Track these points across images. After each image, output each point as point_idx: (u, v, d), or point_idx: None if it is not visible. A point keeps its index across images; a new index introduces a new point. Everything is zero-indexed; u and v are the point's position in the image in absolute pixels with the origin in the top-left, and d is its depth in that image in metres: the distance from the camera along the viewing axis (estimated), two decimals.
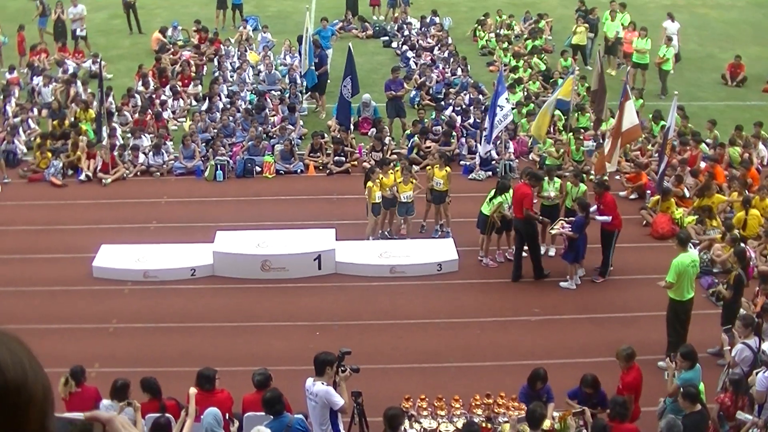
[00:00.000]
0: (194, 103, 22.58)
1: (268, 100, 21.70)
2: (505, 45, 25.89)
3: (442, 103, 21.64)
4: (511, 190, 15.05)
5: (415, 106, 21.96)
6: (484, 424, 9.91)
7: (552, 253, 15.76)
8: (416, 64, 24.64)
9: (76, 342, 13.21)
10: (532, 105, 20.97)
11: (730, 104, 23.15)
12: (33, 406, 1.73)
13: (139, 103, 21.61)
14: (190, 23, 27.23)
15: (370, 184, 15.69)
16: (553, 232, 15.19)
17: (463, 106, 21.07)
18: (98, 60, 22.48)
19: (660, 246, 15.71)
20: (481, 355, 12.90)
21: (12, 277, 15.12)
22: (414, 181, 16.00)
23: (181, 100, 22.35)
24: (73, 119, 20.69)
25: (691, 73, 25.29)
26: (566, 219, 15.07)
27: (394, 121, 20.85)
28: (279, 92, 22.47)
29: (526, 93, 22.20)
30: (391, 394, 10.85)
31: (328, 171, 18.99)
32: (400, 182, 15.80)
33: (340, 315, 14.05)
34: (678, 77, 24.23)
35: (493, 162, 18.86)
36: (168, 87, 22.51)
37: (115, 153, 19.01)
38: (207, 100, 21.58)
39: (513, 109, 19.46)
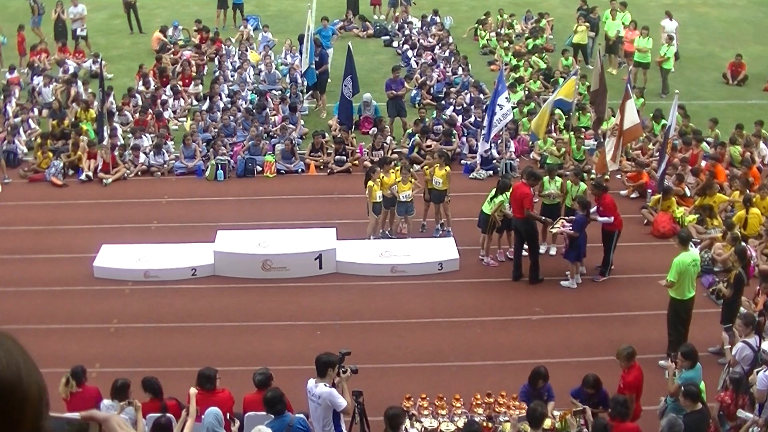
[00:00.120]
0: (195, 102, 22.57)
1: (269, 99, 21.70)
2: (506, 44, 25.88)
3: (443, 102, 21.61)
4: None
5: (416, 105, 21.95)
6: (485, 424, 9.92)
7: (553, 252, 15.75)
8: (417, 63, 24.64)
9: (77, 342, 13.21)
10: (533, 104, 20.99)
11: (730, 103, 23.13)
12: (28, 406, 1.73)
13: (140, 102, 21.63)
14: (190, 23, 27.25)
15: (370, 183, 15.68)
16: (553, 231, 15.18)
17: (464, 106, 21.06)
18: (99, 60, 22.50)
19: (661, 245, 15.70)
20: (482, 355, 12.90)
21: (13, 277, 15.12)
22: (413, 180, 16.00)
23: (181, 99, 22.34)
24: (73, 119, 20.69)
25: (692, 72, 25.28)
26: (567, 218, 15.07)
27: (394, 120, 20.84)
28: (280, 92, 22.47)
29: (527, 92, 22.21)
30: (392, 394, 10.86)
31: (328, 170, 18.99)
32: (398, 181, 15.80)
33: (340, 314, 14.05)
34: (679, 76, 24.22)
35: (494, 161, 18.86)
36: (169, 87, 22.50)
37: (116, 153, 19.01)
38: (208, 100, 21.58)
39: (514, 108, 19.45)
